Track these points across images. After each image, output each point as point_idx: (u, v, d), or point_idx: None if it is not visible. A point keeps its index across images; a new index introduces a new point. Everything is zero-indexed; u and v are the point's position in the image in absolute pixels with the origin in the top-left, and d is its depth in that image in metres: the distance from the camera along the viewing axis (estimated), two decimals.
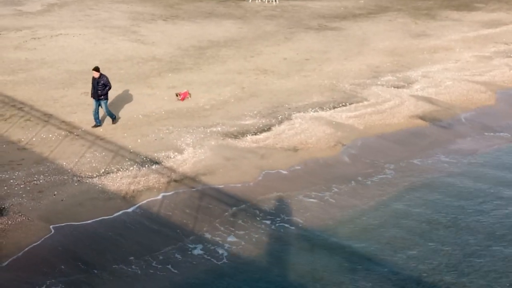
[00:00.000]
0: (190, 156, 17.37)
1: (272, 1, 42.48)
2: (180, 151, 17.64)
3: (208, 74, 24.88)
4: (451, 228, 15.06)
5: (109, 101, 19.04)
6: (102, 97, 18.53)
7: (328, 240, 14.28)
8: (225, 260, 13.34)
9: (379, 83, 24.95)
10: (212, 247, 13.72)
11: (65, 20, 32.87)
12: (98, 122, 18.90)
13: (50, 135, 18.03)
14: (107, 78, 18.57)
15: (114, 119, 19.23)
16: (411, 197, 16.48)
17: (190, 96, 21.62)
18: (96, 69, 18.51)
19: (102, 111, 19.02)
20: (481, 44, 32.43)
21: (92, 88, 18.58)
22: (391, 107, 22.44)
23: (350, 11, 40.71)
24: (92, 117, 18.88)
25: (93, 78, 18.46)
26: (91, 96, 18.74)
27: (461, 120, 22.22)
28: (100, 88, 18.38)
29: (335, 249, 13.93)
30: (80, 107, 20.20)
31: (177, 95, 21.41)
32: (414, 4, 44.26)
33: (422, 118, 21.90)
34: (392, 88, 24.41)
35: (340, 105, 22.17)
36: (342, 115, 21.20)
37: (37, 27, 30.81)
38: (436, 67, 27.67)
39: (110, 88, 18.65)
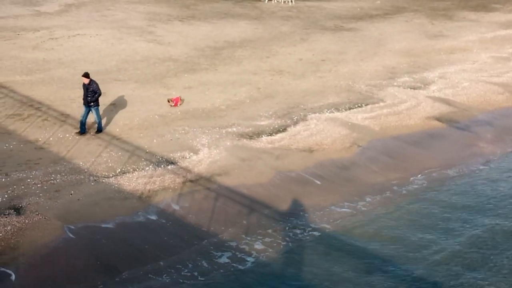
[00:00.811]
0: (205, 157, 17.40)
1: (288, 1, 42.45)
2: (196, 151, 17.67)
3: (224, 74, 24.92)
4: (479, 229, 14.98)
5: (127, 101, 18.97)
6: (92, 104, 17.89)
7: (348, 243, 14.19)
8: (249, 265, 13.23)
9: (395, 84, 24.83)
10: (237, 253, 13.60)
11: (82, 21, 33.11)
12: (83, 130, 18.19)
13: (67, 135, 18.16)
14: (97, 84, 17.92)
15: (100, 131, 18.39)
16: (432, 201, 16.37)
17: (182, 102, 21.08)
18: (86, 75, 17.88)
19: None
20: (498, 45, 32.16)
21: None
22: (408, 108, 22.33)
23: (367, 12, 40.56)
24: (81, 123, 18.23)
25: (83, 84, 17.89)
26: (84, 103, 18.07)
27: (479, 121, 22.04)
28: (89, 94, 17.79)
29: (354, 253, 13.86)
30: None
31: (168, 101, 20.89)
32: (431, 4, 44.01)
33: (439, 119, 21.76)
34: (409, 89, 24.29)
35: (356, 106, 22.10)
36: (358, 116, 21.12)
37: (55, 27, 31.06)
38: (453, 68, 27.50)
39: (99, 94, 17.95)
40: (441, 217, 15.51)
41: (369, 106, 22.14)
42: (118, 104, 20.67)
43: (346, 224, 15.00)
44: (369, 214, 15.55)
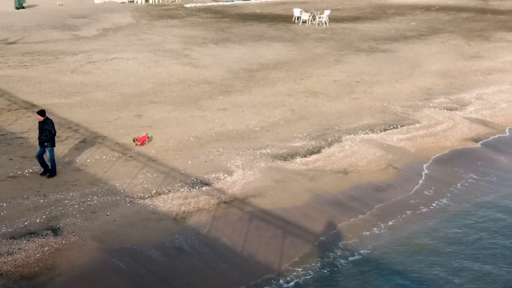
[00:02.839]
0: (239, 178, 17.41)
1: (322, 23, 42.56)
2: (230, 173, 17.71)
3: (258, 96, 25.02)
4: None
5: (162, 123, 18.98)
6: (47, 144, 16.36)
7: (391, 270, 13.96)
8: None
9: (431, 105, 24.57)
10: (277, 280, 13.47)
11: (120, 44, 33.73)
12: (46, 168, 16.88)
13: (104, 157, 18.40)
14: (52, 122, 16.50)
15: (54, 175, 16.75)
16: (475, 226, 16.04)
17: (150, 140, 19.52)
18: (41, 112, 16.42)
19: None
20: None
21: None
22: (444, 129, 22.04)
23: (401, 33, 40.38)
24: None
25: (39, 122, 16.44)
26: (38, 143, 16.57)
27: None
28: (44, 134, 16.27)
29: (395, 280, 13.64)
30: (133, 129, 20.57)
31: (134, 141, 19.17)
32: (467, 25, 43.60)
33: (476, 141, 21.42)
34: (445, 110, 24.00)
35: (391, 127, 21.91)
36: (393, 137, 20.92)
37: (93, 51, 31.70)
38: (490, 89, 27.12)
39: (54, 134, 16.46)
40: (484, 242, 15.15)
41: (404, 128, 21.93)
42: (154, 126, 20.90)
43: (388, 251, 14.72)
44: (411, 240, 15.24)
